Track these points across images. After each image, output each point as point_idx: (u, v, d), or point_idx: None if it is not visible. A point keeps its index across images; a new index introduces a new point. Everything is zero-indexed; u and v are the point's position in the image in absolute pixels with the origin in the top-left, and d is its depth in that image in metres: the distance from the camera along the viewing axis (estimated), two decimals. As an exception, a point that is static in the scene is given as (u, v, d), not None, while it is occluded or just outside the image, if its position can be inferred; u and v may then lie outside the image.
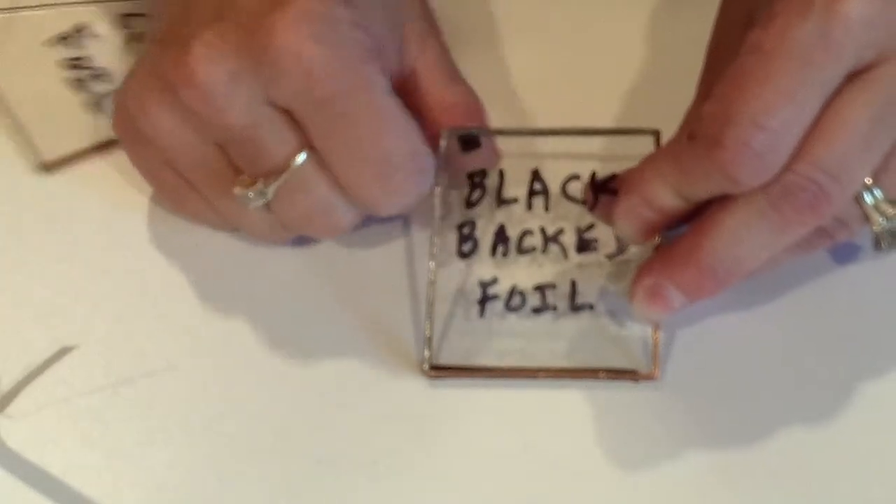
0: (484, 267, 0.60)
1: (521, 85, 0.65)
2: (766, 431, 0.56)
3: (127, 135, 0.61)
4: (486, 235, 0.60)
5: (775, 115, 0.52)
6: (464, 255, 0.60)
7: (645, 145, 0.59)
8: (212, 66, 0.55)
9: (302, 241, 0.61)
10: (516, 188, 0.61)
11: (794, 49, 0.52)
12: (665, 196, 0.56)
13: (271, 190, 0.57)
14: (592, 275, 0.60)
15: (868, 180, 0.55)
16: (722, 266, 0.55)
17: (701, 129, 0.54)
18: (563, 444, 0.57)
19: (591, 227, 0.60)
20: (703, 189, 0.55)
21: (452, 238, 0.60)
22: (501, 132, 0.61)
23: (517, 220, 0.61)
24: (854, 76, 0.53)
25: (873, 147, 0.54)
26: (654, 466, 0.56)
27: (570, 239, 0.60)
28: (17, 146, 0.64)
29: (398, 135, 0.57)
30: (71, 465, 0.57)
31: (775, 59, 0.53)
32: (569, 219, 0.60)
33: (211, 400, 0.58)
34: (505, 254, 0.60)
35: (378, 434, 0.57)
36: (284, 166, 0.57)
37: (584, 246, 0.60)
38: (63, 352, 0.58)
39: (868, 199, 0.55)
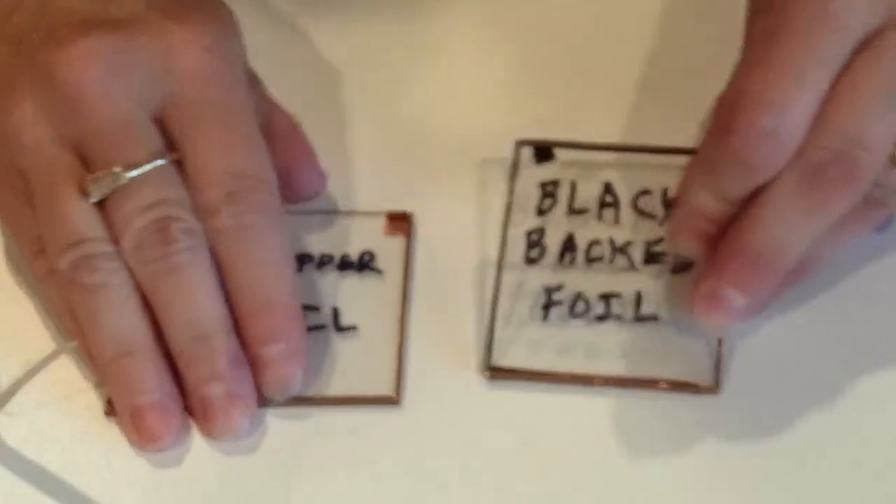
0: (550, 273, 0.60)
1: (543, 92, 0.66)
2: (826, 449, 0.55)
3: None
4: (554, 243, 0.61)
5: (780, 91, 0.53)
6: (531, 261, 0.60)
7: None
8: (93, 61, 0.58)
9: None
10: (587, 199, 0.61)
11: (797, 30, 0.53)
12: (706, 201, 0.55)
13: (130, 175, 0.57)
14: (658, 287, 0.59)
15: None
16: (768, 251, 0.54)
17: (714, 122, 0.54)
18: (619, 453, 0.56)
19: (659, 240, 0.60)
20: (732, 184, 0.54)
21: (521, 244, 0.60)
22: (575, 145, 0.62)
23: (586, 229, 0.61)
24: (862, 46, 0.54)
25: (893, 108, 0.54)
26: (710, 480, 0.55)
27: (638, 251, 0.60)
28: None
29: (252, 155, 0.58)
30: (69, 463, 0.57)
31: (778, 41, 0.53)
32: (638, 232, 0.61)
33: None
34: (572, 261, 0.60)
35: (433, 432, 0.57)
36: (146, 160, 0.57)
37: (651, 259, 0.60)
38: (62, 349, 0.58)
39: None
